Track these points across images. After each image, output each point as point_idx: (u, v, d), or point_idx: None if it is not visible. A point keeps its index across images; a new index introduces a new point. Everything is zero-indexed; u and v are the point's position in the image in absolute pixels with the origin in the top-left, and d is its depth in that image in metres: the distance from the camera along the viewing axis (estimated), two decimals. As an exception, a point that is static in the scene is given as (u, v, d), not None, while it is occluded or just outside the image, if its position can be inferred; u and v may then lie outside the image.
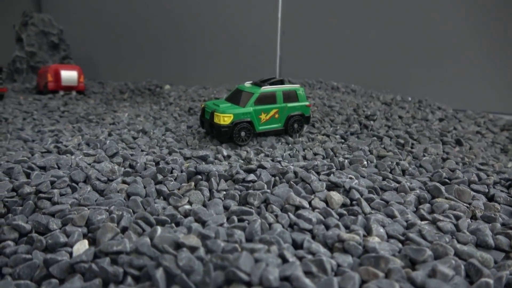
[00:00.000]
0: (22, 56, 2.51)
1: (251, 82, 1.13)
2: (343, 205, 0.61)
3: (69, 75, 1.98)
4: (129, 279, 0.42)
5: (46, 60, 2.57)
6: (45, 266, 0.45)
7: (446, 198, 0.65)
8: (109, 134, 1.07)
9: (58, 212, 0.57)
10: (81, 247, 0.48)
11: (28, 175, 0.69)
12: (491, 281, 0.41)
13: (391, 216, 0.58)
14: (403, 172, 0.82)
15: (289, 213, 0.56)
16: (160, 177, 0.72)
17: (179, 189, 0.68)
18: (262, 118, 1.04)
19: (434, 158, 0.90)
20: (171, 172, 0.74)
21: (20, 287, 0.42)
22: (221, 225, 0.53)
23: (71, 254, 0.48)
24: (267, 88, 1.05)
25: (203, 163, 0.81)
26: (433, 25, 2.03)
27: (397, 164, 0.83)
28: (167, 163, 0.79)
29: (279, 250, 0.44)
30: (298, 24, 2.36)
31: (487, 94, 1.97)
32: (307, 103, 1.11)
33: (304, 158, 0.91)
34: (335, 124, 1.22)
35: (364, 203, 0.60)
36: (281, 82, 1.10)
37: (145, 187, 0.67)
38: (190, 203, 0.62)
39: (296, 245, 0.49)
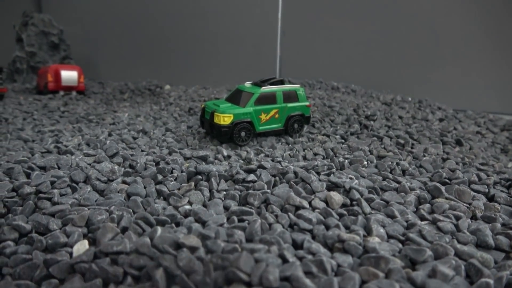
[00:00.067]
0: (22, 56, 2.52)
1: (251, 82, 1.13)
2: (343, 205, 0.61)
3: (69, 75, 1.98)
4: (129, 279, 0.42)
5: (46, 60, 2.57)
6: (45, 266, 0.45)
7: (446, 198, 0.64)
8: (109, 134, 1.07)
9: (58, 212, 0.57)
10: (81, 247, 0.48)
11: (28, 175, 0.69)
12: (491, 281, 0.41)
13: (391, 216, 0.58)
14: (403, 172, 0.82)
15: (289, 213, 0.56)
16: (160, 177, 0.72)
17: (179, 189, 0.68)
18: (262, 118, 1.04)
19: (434, 158, 0.90)
20: (171, 172, 0.74)
21: (20, 287, 0.42)
22: (221, 225, 0.53)
23: (71, 254, 0.48)
24: (267, 88, 1.05)
25: (203, 163, 0.81)
26: (433, 25, 2.03)
27: (397, 164, 0.83)
28: (167, 163, 0.79)
29: (279, 250, 0.44)
30: (298, 24, 2.36)
31: (487, 94, 1.97)
32: (307, 103, 1.11)
33: (304, 158, 0.91)
34: (335, 124, 1.22)
35: (364, 203, 0.60)
36: (281, 82, 1.10)
37: (145, 187, 0.67)
38: (190, 203, 0.62)
39: (296, 245, 0.48)
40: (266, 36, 2.44)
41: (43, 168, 0.73)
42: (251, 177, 0.70)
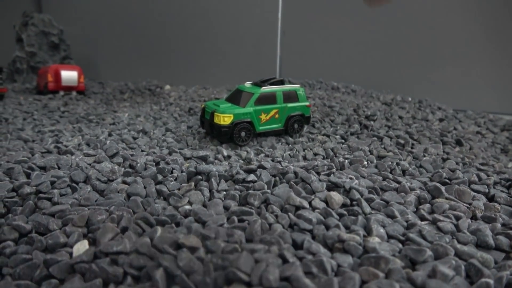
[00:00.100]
0: (22, 56, 2.52)
1: (251, 82, 1.13)
2: (343, 205, 0.61)
3: (69, 75, 1.98)
4: (129, 280, 0.42)
5: (46, 60, 2.57)
6: (45, 266, 0.45)
7: (446, 198, 0.64)
8: (109, 134, 1.07)
9: (58, 212, 0.57)
10: (81, 247, 0.48)
11: (28, 175, 0.69)
12: (491, 282, 0.41)
13: (391, 217, 0.58)
14: (403, 172, 0.82)
15: (289, 214, 0.56)
16: (160, 177, 0.72)
17: (179, 189, 0.68)
18: (262, 118, 1.04)
19: (434, 158, 0.90)
20: (171, 172, 0.74)
21: (20, 287, 0.42)
22: (221, 225, 0.53)
23: (71, 254, 0.48)
24: (267, 89, 1.05)
25: (203, 163, 0.81)
26: (433, 25, 2.03)
27: (397, 164, 0.83)
28: (167, 163, 0.79)
29: (279, 251, 0.44)
30: (298, 24, 2.36)
31: (487, 94, 1.97)
32: (307, 103, 1.11)
33: (304, 158, 0.91)
34: (335, 124, 1.22)
35: (364, 203, 0.60)
36: (281, 82, 1.10)
37: (145, 187, 0.67)
38: (190, 203, 0.62)
39: (296, 246, 0.48)
40: (266, 36, 2.44)
41: (43, 168, 0.73)
42: (251, 177, 0.70)
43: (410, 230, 0.53)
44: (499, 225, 0.56)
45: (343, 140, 1.07)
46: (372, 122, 1.21)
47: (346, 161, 0.82)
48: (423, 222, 0.56)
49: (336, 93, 1.81)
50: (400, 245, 0.49)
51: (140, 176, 0.71)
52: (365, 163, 0.83)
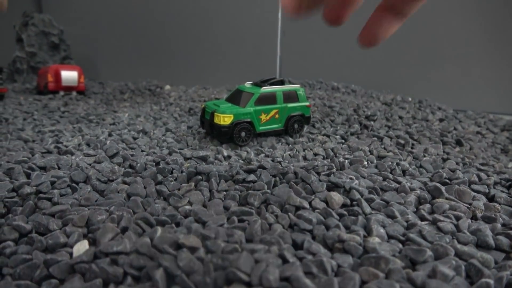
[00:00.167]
0: (22, 57, 2.52)
1: (251, 82, 1.13)
2: (343, 206, 0.61)
3: (69, 75, 1.98)
4: (129, 280, 0.42)
5: (46, 60, 2.57)
6: (45, 266, 0.45)
7: (447, 199, 0.64)
8: (110, 135, 1.07)
9: (58, 212, 0.57)
10: (81, 247, 0.48)
11: (28, 176, 0.69)
12: (491, 282, 0.41)
13: (392, 217, 0.58)
14: (404, 172, 0.82)
15: (289, 214, 0.56)
16: (160, 177, 0.72)
17: (179, 189, 0.68)
18: (262, 118, 1.04)
19: (434, 158, 0.90)
20: (171, 173, 0.74)
21: (20, 287, 0.42)
22: (221, 225, 0.53)
23: (71, 254, 0.48)
24: (267, 89, 1.05)
25: (203, 163, 0.81)
26: (433, 25, 2.03)
27: (398, 164, 0.83)
28: (167, 163, 0.78)
29: (279, 251, 0.44)
30: (298, 24, 2.36)
31: (487, 94, 1.97)
32: (307, 104, 1.11)
33: (304, 158, 0.91)
34: (335, 125, 1.22)
35: (364, 204, 0.60)
36: (281, 82, 1.10)
37: (145, 188, 0.67)
38: (190, 203, 0.62)
39: (296, 246, 0.48)
40: (266, 36, 2.44)
41: (43, 168, 0.73)
42: (251, 177, 0.70)
43: (410, 230, 0.53)
44: (499, 225, 0.56)
45: (343, 140, 1.07)
46: (372, 122, 1.21)
47: (346, 161, 0.82)
48: (423, 222, 0.56)
49: (336, 93, 1.81)
50: (400, 245, 0.49)
51: (140, 176, 0.71)
52: (365, 163, 0.83)
